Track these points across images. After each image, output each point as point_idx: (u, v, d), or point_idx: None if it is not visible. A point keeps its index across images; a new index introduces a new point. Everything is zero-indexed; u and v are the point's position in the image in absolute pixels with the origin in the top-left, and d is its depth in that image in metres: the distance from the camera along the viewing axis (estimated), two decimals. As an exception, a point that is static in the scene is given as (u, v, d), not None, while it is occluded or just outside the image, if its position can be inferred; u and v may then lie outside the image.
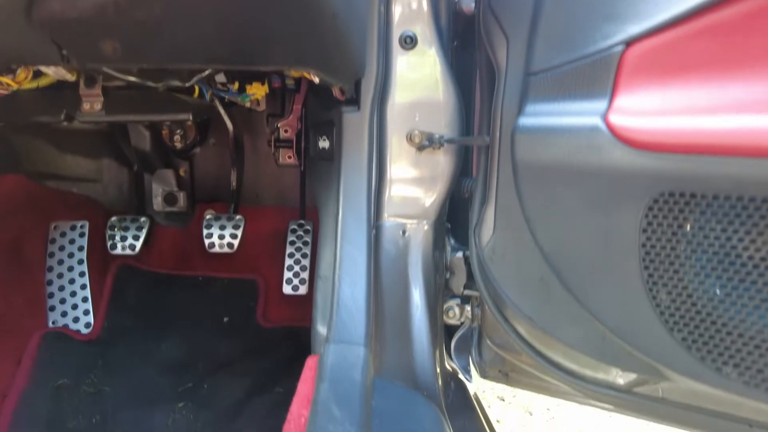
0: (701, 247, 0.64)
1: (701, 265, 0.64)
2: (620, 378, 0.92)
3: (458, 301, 1.32)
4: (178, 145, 1.73)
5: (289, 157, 1.74)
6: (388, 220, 1.14)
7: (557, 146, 0.71)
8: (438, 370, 1.09)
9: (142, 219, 1.59)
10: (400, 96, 1.09)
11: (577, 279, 0.74)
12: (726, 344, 0.63)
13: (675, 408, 0.88)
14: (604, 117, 0.67)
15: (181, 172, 1.83)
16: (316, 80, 0.88)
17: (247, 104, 1.41)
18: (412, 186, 1.14)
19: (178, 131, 1.71)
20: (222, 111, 1.51)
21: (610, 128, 0.66)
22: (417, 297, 1.13)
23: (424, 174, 1.14)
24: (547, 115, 0.74)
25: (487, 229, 0.94)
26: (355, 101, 1.03)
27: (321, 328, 0.91)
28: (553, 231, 0.75)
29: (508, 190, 0.83)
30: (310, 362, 0.83)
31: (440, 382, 1.05)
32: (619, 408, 1.02)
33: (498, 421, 1.99)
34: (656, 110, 0.65)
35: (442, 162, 1.13)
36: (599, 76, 0.70)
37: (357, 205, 0.99)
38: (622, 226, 0.67)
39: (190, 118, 1.20)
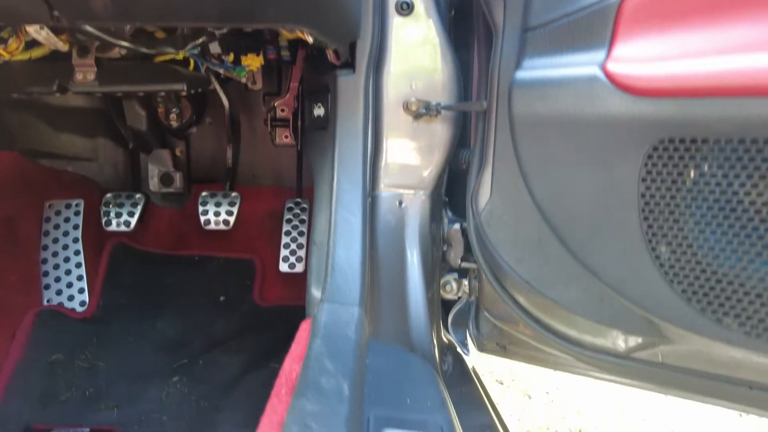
0: (702, 194, 0.62)
1: (702, 213, 0.63)
2: (619, 343, 0.91)
3: (455, 275, 1.31)
4: (174, 123, 1.71)
5: (286, 137, 1.72)
6: (385, 190, 1.13)
7: (555, 98, 0.70)
8: (435, 340, 1.08)
9: (138, 196, 1.57)
10: (396, 63, 1.07)
11: (575, 235, 0.73)
12: (726, 295, 0.62)
13: (674, 373, 0.87)
14: (603, 66, 0.65)
15: (178, 152, 1.81)
16: (310, 40, 0.87)
17: (243, 79, 1.39)
18: (409, 155, 1.13)
19: (174, 110, 1.70)
20: (218, 86, 1.49)
21: (609, 77, 0.65)
22: (413, 268, 1.11)
23: (421, 143, 1.12)
24: (544, 68, 0.72)
25: (484, 193, 0.93)
26: (350, 65, 1.01)
27: (315, 292, 0.90)
28: (552, 186, 0.74)
29: (505, 149, 0.82)
30: (304, 325, 0.82)
31: (437, 352, 1.04)
32: (618, 375, 1.01)
33: (497, 404, 1.98)
34: (655, 57, 0.63)
35: (440, 131, 1.12)
36: (597, 27, 0.69)
37: (352, 170, 0.97)
38: (621, 177, 0.66)
39: (185, 88, 1.19)
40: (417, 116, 1.10)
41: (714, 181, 0.61)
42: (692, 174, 0.62)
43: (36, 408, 1.13)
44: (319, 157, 1.07)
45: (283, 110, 1.72)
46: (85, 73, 1.19)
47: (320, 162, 1.06)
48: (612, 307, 0.78)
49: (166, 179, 1.77)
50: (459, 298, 1.33)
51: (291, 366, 0.68)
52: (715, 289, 0.62)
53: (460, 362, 1.12)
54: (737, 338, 0.62)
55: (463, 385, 1.04)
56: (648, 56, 0.64)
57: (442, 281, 1.31)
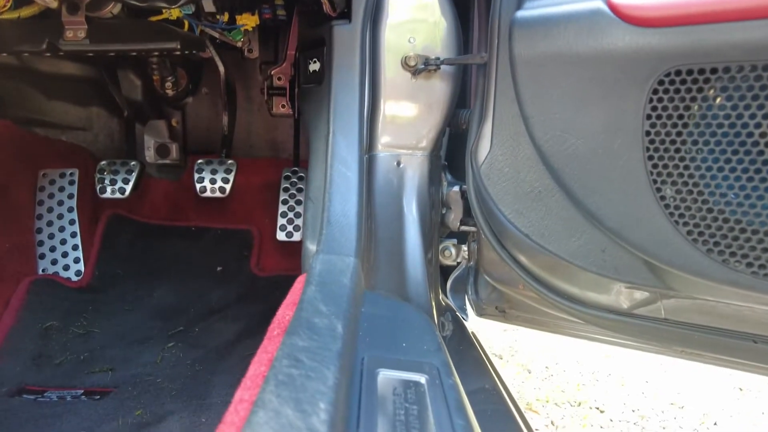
0: (709, 130, 0.60)
1: (709, 150, 0.60)
2: (622, 299, 0.89)
3: (454, 241, 1.29)
4: (170, 92, 1.68)
5: (283, 106, 1.69)
6: (383, 150, 1.10)
7: (558, 35, 0.67)
8: (433, 301, 1.06)
9: (132, 163, 1.55)
10: (394, 15, 1.04)
11: (577, 179, 0.71)
12: (734, 235, 0.60)
13: (678, 328, 0.85)
14: (607, -2, 0.63)
15: (174, 123, 1.78)
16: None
17: (239, 44, 1.36)
18: (407, 114, 1.10)
19: (170, 78, 1.67)
20: (213, 51, 1.46)
21: (613, 9, 0.62)
22: (412, 228, 1.09)
23: (420, 101, 1.09)
24: (546, 5, 0.69)
25: (483, 147, 0.90)
26: (346, 15, 0.98)
27: (311, 245, 0.88)
28: (554, 129, 0.71)
29: (506, 97, 0.79)
30: (300, 278, 0.80)
31: (435, 312, 1.02)
32: (621, 333, 1.00)
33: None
34: (663, -14, 0.60)
35: (439, 88, 1.09)
36: (602, -39, 0.66)
37: (348, 124, 0.95)
38: (625, 115, 0.63)
39: (178, 46, 1.15)
40: (416, 72, 1.07)
41: (723, 114, 0.58)
42: (700, 108, 0.60)
43: (30, 369, 1.12)
44: (315, 113, 1.04)
45: (279, 78, 1.69)
46: (76, 31, 1.16)
47: (316, 118, 1.03)
48: (614, 256, 0.75)
49: (162, 150, 1.75)
50: (458, 263, 1.32)
51: (284, 312, 0.66)
52: (722, 230, 0.60)
53: (460, 326, 1.10)
54: (744, 280, 0.60)
55: (464, 348, 1.02)
56: (655, -14, 0.61)
57: (441, 246, 1.29)
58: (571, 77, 0.67)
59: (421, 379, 0.53)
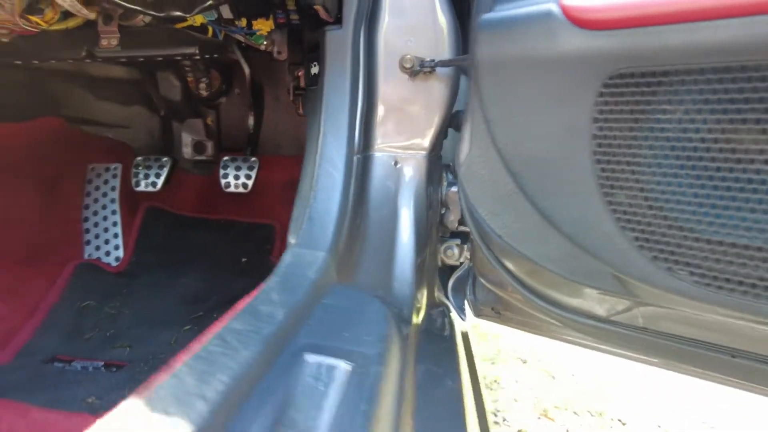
0: (656, 134, 0.58)
1: (655, 155, 0.59)
2: (599, 306, 0.87)
3: (458, 241, 1.30)
4: (204, 93, 1.80)
5: (308, 106, 1.75)
6: (380, 150, 1.13)
7: (513, 38, 0.68)
8: (419, 299, 1.08)
9: (164, 159, 1.68)
10: (391, 19, 1.07)
11: (535, 183, 0.71)
12: (677, 242, 0.58)
13: (655, 337, 0.83)
14: (559, 0, 0.62)
15: (208, 121, 1.90)
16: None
17: (262, 47, 1.44)
18: (405, 115, 1.12)
19: (203, 79, 1.78)
20: (239, 54, 1.55)
21: (564, 11, 0.62)
22: (404, 227, 1.11)
23: (418, 102, 1.11)
24: (508, 8, 0.70)
25: (464, 148, 0.91)
26: (339, 20, 1.02)
27: (291, 239, 0.93)
28: (512, 133, 0.72)
29: (477, 99, 0.80)
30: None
31: (418, 309, 1.04)
32: (602, 340, 0.97)
33: (516, 381, 1.95)
34: (613, -12, 0.59)
35: (437, 89, 1.10)
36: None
37: (338, 125, 0.99)
38: (576, 118, 0.63)
39: (197, 51, 1.25)
40: (413, 74, 1.09)
41: (670, 119, 0.57)
42: (646, 112, 0.59)
43: (63, 342, 1.26)
44: (311, 115, 1.09)
45: (305, 80, 1.76)
46: (110, 40, 1.28)
47: (311, 119, 1.08)
48: (581, 262, 0.75)
49: (198, 147, 1.87)
50: (461, 264, 1.33)
51: (244, 300, 0.71)
52: (666, 237, 0.58)
53: (446, 321, 1.12)
54: (688, 289, 0.59)
55: (440, 343, 1.03)
56: (606, -12, 0.60)
57: (444, 246, 1.31)
58: (528, 80, 0.67)
59: (345, 365, 0.56)
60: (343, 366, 0.56)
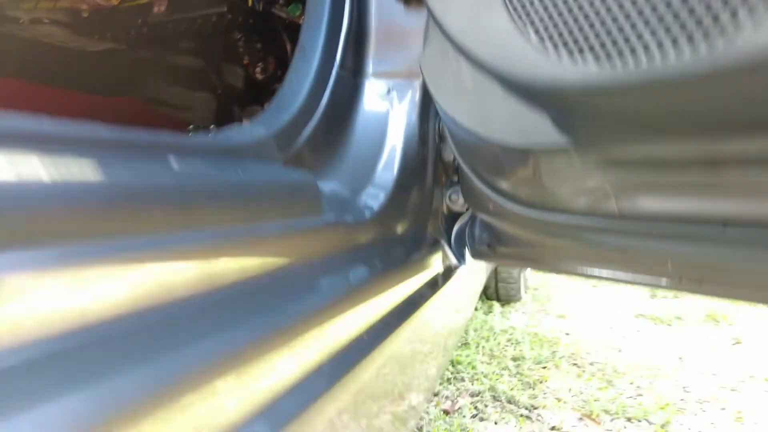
0: None
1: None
2: (572, 197, 0.76)
3: (463, 186, 1.22)
4: (259, 76, 1.94)
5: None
6: (372, 77, 1.12)
7: None
8: (391, 224, 1.01)
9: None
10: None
11: (453, 20, 0.65)
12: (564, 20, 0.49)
13: (635, 225, 0.70)
14: None
15: (265, 107, 2.04)
16: None
17: (300, 20, 1.54)
18: (399, 40, 1.11)
19: (259, 64, 1.94)
20: (280, 28, 1.67)
21: None
22: (391, 158, 1.08)
23: (412, 27, 1.10)
24: None
25: (429, 49, 0.88)
26: None
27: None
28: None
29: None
30: None
31: (390, 235, 0.98)
32: (590, 257, 0.84)
33: (564, 383, 1.70)
34: None
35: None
36: None
37: (316, 38, 1.00)
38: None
39: (225, 9, 1.37)
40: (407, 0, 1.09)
41: None
42: None
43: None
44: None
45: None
46: (160, 6, 1.46)
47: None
48: (520, 118, 0.66)
49: (255, 130, 2.01)
50: (467, 210, 1.24)
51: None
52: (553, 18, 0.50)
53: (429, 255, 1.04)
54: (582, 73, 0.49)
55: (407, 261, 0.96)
56: None
57: (448, 192, 1.24)
58: None
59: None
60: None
